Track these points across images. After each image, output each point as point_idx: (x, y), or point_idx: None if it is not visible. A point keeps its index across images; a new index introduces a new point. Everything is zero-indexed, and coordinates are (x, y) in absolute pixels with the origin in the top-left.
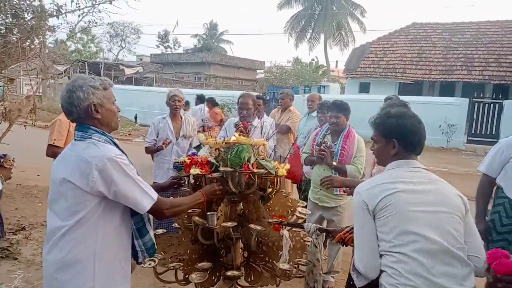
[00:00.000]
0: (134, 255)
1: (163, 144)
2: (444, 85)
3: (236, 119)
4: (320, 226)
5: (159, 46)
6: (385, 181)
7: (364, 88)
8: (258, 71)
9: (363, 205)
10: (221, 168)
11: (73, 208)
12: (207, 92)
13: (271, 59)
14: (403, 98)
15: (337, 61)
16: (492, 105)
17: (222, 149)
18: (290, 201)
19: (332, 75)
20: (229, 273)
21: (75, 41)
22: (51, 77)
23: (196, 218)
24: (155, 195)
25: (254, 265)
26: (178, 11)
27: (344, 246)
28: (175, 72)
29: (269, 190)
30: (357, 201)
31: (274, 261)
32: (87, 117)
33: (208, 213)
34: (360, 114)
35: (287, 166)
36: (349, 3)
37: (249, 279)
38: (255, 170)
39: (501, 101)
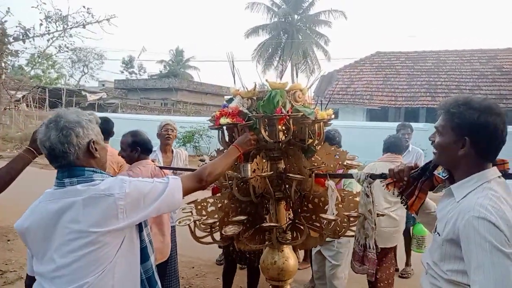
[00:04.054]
0: None
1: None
2: (409, 111)
3: None
4: (372, 173)
5: (123, 72)
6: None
7: (334, 114)
8: (225, 96)
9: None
10: (251, 114)
11: (90, 266)
12: (176, 119)
13: (239, 85)
14: (371, 124)
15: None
16: None
17: (255, 98)
18: (338, 153)
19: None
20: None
21: (35, 67)
22: (15, 105)
23: (230, 171)
24: (175, 177)
25: (301, 226)
26: (143, 37)
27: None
28: (140, 98)
29: (310, 140)
30: (494, 234)
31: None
32: (85, 157)
33: (241, 163)
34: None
35: (330, 112)
36: (314, 33)
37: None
38: (289, 114)
39: None
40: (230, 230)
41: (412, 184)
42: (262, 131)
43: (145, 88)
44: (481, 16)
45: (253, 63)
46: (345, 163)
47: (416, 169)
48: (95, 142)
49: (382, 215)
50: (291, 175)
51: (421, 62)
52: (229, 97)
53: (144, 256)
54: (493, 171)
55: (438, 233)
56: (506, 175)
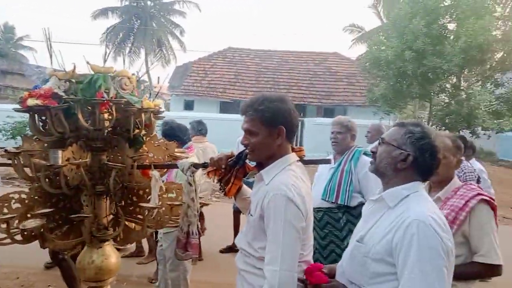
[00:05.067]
0: None
1: None
2: None
3: None
4: (195, 162)
5: None
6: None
7: (189, 105)
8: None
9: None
10: (66, 97)
11: None
12: (4, 107)
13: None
14: (224, 116)
15: (158, 77)
16: None
17: (74, 81)
18: (166, 145)
19: (155, 91)
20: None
21: None
22: None
23: (37, 159)
24: None
25: (123, 221)
26: None
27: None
28: None
29: (137, 131)
30: (291, 210)
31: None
32: None
33: (50, 149)
34: None
35: (158, 102)
36: (168, 22)
37: (118, 239)
38: (111, 99)
39: (302, 119)
40: (30, 223)
41: (229, 172)
42: (80, 116)
43: None
44: (316, 22)
45: (101, 48)
46: (174, 155)
47: (232, 158)
48: None
49: (206, 204)
50: (110, 163)
51: (267, 60)
52: (45, 78)
53: None
54: (293, 156)
55: (251, 214)
56: (303, 160)
